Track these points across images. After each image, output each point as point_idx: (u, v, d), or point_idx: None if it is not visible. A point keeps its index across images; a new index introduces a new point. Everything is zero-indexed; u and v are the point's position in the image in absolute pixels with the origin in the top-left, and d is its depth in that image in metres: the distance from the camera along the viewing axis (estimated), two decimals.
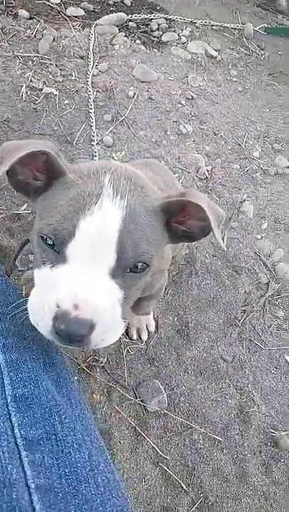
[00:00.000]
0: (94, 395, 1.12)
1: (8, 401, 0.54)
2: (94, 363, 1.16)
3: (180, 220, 0.68)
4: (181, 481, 1.05)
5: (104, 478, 0.51)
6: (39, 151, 0.61)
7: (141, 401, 1.13)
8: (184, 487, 1.05)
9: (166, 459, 1.07)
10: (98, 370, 1.15)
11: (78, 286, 0.57)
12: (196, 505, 1.03)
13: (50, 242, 0.60)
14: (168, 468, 1.06)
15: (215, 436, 1.12)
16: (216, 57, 2.02)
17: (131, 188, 0.63)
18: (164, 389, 1.16)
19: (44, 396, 0.56)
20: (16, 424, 0.51)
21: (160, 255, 0.70)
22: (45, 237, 0.59)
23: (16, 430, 0.51)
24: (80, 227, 0.57)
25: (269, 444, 1.16)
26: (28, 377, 0.58)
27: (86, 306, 0.56)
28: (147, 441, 1.08)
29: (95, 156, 1.50)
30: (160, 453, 1.07)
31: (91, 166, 0.66)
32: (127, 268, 0.60)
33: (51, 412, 0.55)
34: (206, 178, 1.58)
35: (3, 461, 0.46)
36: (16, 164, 0.63)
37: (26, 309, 0.61)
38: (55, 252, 0.60)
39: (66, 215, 0.58)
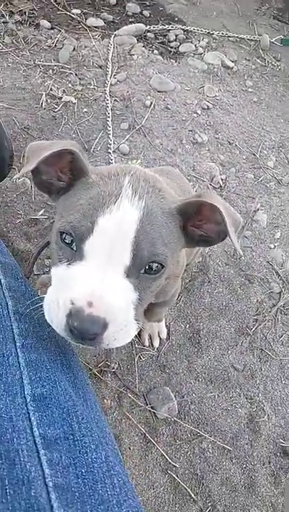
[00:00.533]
0: (105, 400, 1.12)
1: (28, 400, 0.55)
2: (105, 369, 1.17)
3: (197, 224, 0.69)
4: (189, 490, 1.05)
5: (120, 479, 0.51)
6: (66, 150, 0.63)
7: (151, 408, 1.13)
8: (193, 496, 1.04)
9: (175, 466, 1.07)
10: (109, 375, 1.16)
11: (93, 284, 0.58)
12: None
13: (68, 240, 0.61)
14: (177, 476, 1.06)
15: (224, 446, 1.12)
16: (232, 68, 2.04)
17: (149, 190, 0.65)
18: (175, 396, 1.16)
19: (62, 396, 0.57)
20: (34, 423, 0.52)
21: (175, 259, 0.71)
22: (64, 234, 0.61)
23: (35, 429, 0.52)
24: (99, 225, 0.59)
25: (278, 454, 1.15)
26: (46, 377, 0.59)
27: (100, 304, 0.56)
28: (157, 448, 1.08)
29: (112, 163, 1.52)
30: (169, 460, 1.07)
31: (112, 168, 0.68)
32: (142, 268, 0.61)
33: (69, 412, 0.56)
34: (220, 186, 1.59)
35: (22, 459, 0.48)
36: (42, 164, 0.66)
37: (43, 309, 0.62)
38: (72, 250, 0.62)
39: (85, 213, 0.60)
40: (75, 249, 0.61)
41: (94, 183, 0.65)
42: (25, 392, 0.56)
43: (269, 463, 1.13)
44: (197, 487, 1.06)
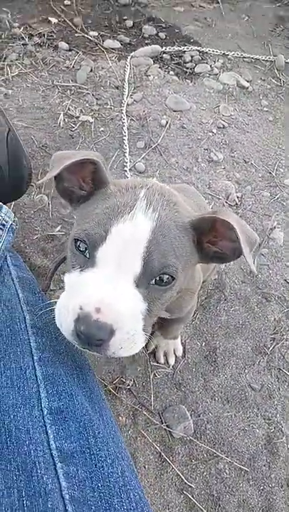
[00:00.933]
0: (120, 418, 1.12)
1: (45, 413, 0.55)
2: (120, 385, 1.16)
3: (212, 241, 0.70)
4: (205, 511, 1.03)
5: (136, 494, 0.51)
6: (89, 159, 0.66)
7: (167, 426, 1.12)
8: None
9: (190, 487, 1.05)
10: (124, 392, 1.15)
11: (103, 290, 0.59)
12: None
13: (82, 247, 0.63)
14: (192, 496, 1.04)
15: (241, 467, 1.10)
16: (247, 88, 2.06)
17: (164, 203, 0.66)
18: (191, 415, 1.15)
19: (79, 410, 0.57)
20: (51, 436, 0.52)
21: (189, 273, 0.71)
22: (79, 241, 0.63)
23: (52, 442, 0.52)
24: (112, 233, 0.61)
25: None
26: (63, 390, 0.59)
27: (108, 310, 0.57)
28: (172, 467, 1.07)
29: None
30: (185, 480, 1.05)
31: (130, 181, 0.70)
32: (152, 278, 0.62)
33: (85, 426, 0.55)
34: (236, 204, 1.59)
35: (39, 471, 0.47)
36: (65, 172, 0.70)
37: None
38: (85, 257, 0.63)
39: (100, 221, 0.62)
40: (88, 256, 0.63)
41: (112, 194, 0.67)
42: (43, 406, 0.56)
43: (287, 485, 1.10)
44: (213, 508, 1.04)
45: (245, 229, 0.65)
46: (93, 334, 0.57)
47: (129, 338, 0.60)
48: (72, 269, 0.65)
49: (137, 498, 0.50)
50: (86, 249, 0.63)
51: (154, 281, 0.63)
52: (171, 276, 0.63)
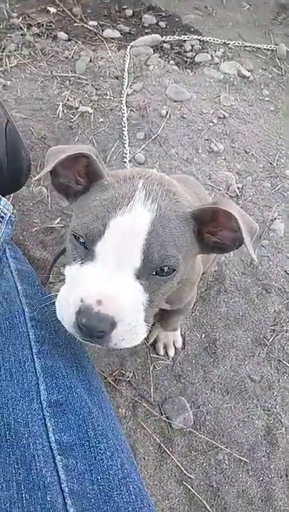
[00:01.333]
0: (119, 410, 1.12)
1: (44, 406, 0.55)
2: (120, 377, 1.16)
3: (212, 231, 0.69)
4: (205, 501, 1.03)
5: (135, 486, 0.51)
6: (81, 153, 0.65)
7: (166, 418, 1.12)
8: (208, 508, 1.03)
9: (190, 478, 1.06)
10: (124, 384, 1.16)
11: (104, 283, 0.59)
12: None
13: (82, 240, 0.63)
14: (192, 487, 1.04)
15: (241, 458, 1.10)
16: (248, 78, 2.04)
17: (163, 193, 0.65)
18: (190, 406, 1.15)
19: (78, 403, 0.57)
20: (50, 429, 0.52)
21: (190, 264, 0.71)
22: (77, 235, 0.62)
23: (51, 435, 0.52)
24: (110, 226, 0.60)
25: None
26: (62, 383, 0.59)
27: (109, 302, 0.57)
28: (172, 458, 1.07)
29: None
30: (184, 471, 1.06)
31: (127, 172, 0.69)
32: (153, 270, 0.62)
33: (84, 418, 0.55)
34: (237, 195, 1.59)
35: (38, 464, 0.47)
36: (59, 167, 0.69)
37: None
38: (85, 249, 0.63)
39: (98, 214, 0.61)
40: (87, 248, 0.62)
41: (109, 186, 0.66)
42: (42, 398, 0.56)
43: (286, 476, 1.11)
44: (213, 499, 1.04)
45: (246, 219, 0.64)
46: (95, 326, 0.57)
47: (130, 329, 0.60)
48: (72, 262, 0.65)
49: (137, 490, 0.50)
50: (85, 242, 0.63)
51: (154, 272, 0.62)
52: (172, 268, 0.63)
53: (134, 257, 0.60)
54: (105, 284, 0.59)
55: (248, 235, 0.61)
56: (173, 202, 0.66)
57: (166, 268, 0.62)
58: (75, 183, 0.72)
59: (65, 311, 0.60)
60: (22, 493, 0.44)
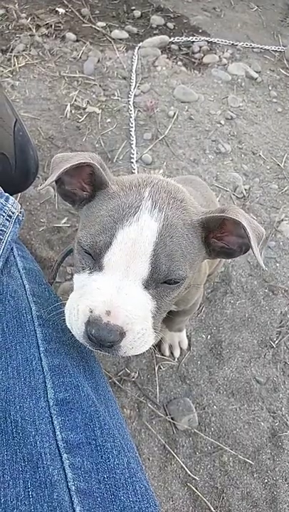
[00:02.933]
0: (124, 410, 1.12)
1: (51, 404, 0.55)
2: (125, 377, 1.16)
3: (219, 236, 0.68)
4: (209, 503, 1.03)
5: (142, 486, 0.51)
6: (84, 162, 0.65)
7: (171, 418, 1.12)
8: (212, 509, 1.02)
9: (194, 479, 1.05)
10: (129, 384, 1.16)
11: (112, 294, 0.59)
12: None
13: (89, 252, 0.62)
14: (196, 488, 1.04)
15: (246, 459, 1.10)
16: (256, 79, 2.04)
17: (170, 201, 0.65)
18: (195, 408, 1.15)
19: (85, 402, 0.57)
20: (57, 427, 0.52)
21: (197, 269, 0.71)
22: (84, 247, 0.62)
23: (58, 433, 0.52)
24: (117, 238, 0.60)
25: None
26: (69, 382, 0.59)
27: (118, 313, 0.58)
28: (176, 459, 1.07)
29: (134, 173, 1.53)
30: (189, 473, 1.06)
31: (133, 179, 0.68)
32: (161, 280, 0.61)
33: (91, 417, 0.55)
34: (244, 196, 1.58)
35: (45, 462, 0.47)
36: (64, 175, 0.69)
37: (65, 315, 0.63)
38: (93, 260, 0.63)
39: (105, 226, 0.61)
40: (95, 260, 0.62)
41: (115, 194, 0.65)
42: (49, 396, 0.56)
43: None
44: (217, 500, 1.04)
45: (253, 225, 0.64)
46: (105, 337, 0.57)
47: (140, 337, 0.61)
48: (81, 270, 0.65)
49: (143, 490, 0.50)
50: (92, 254, 0.63)
51: (162, 281, 0.62)
52: (180, 277, 0.63)
53: (142, 268, 0.60)
54: (114, 294, 0.59)
55: (255, 243, 0.61)
56: (180, 210, 0.65)
57: (175, 278, 0.62)
58: (81, 191, 0.72)
59: (75, 320, 0.61)
60: (29, 491, 0.45)
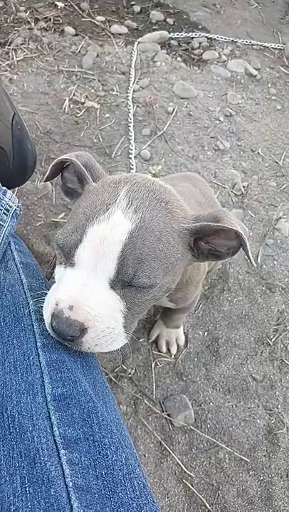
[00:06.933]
0: (120, 406, 1.11)
1: (48, 399, 0.55)
2: (122, 374, 1.16)
3: (206, 239, 0.66)
4: (204, 500, 1.03)
5: (140, 482, 0.50)
6: (66, 159, 0.68)
7: (167, 415, 1.12)
8: (208, 506, 1.02)
9: (190, 476, 1.05)
10: (126, 380, 1.15)
11: (78, 289, 0.59)
12: None
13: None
14: (192, 485, 1.04)
15: (241, 457, 1.10)
16: (255, 76, 2.03)
17: (151, 202, 0.62)
18: (192, 404, 1.14)
19: (82, 397, 0.57)
20: (55, 423, 0.52)
21: (179, 273, 0.69)
22: (58, 244, 0.63)
23: (55, 428, 0.51)
24: (87, 235, 0.59)
25: None
26: (67, 377, 0.58)
27: (79, 309, 0.58)
28: (172, 456, 1.07)
29: (132, 169, 1.53)
30: (185, 469, 1.05)
31: (117, 177, 0.67)
32: (127, 283, 0.60)
33: (89, 413, 0.55)
34: (242, 194, 1.58)
35: (43, 458, 0.47)
36: (65, 173, 0.73)
37: None
38: (67, 255, 0.63)
39: (77, 224, 0.61)
40: (68, 255, 0.63)
41: (93, 191, 0.65)
42: (46, 392, 0.56)
43: (287, 476, 1.10)
44: (212, 497, 1.04)
45: (244, 229, 0.63)
46: (64, 331, 0.58)
47: (105, 336, 0.61)
48: (59, 265, 0.66)
49: (141, 486, 0.50)
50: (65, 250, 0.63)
51: (129, 283, 0.61)
52: (147, 283, 0.61)
53: (109, 267, 0.59)
54: (79, 290, 0.59)
55: (248, 246, 0.61)
56: (162, 212, 0.62)
57: (141, 281, 0.60)
58: (80, 188, 0.72)
59: (45, 310, 0.63)
60: (26, 487, 0.44)
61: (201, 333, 1.27)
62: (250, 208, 1.54)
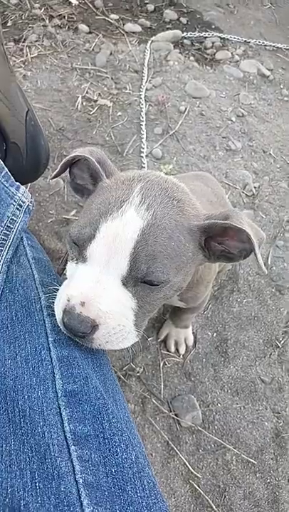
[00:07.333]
0: (128, 404, 1.11)
1: (59, 395, 0.54)
2: (130, 372, 1.15)
3: (219, 240, 0.66)
4: (211, 501, 1.02)
5: (150, 481, 0.50)
6: (79, 155, 0.67)
7: (175, 415, 1.11)
8: (214, 507, 1.02)
9: (197, 476, 1.05)
10: (134, 379, 1.15)
11: (90, 286, 0.59)
12: None
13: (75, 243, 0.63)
14: (198, 486, 1.04)
15: (249, 459, 1.09)
16: (268, 77, 2.02)
17: (164, 200, 0.62)
18: (199, 405, 1.14)
19: (93, 394, 0.56)
20: (65, 419, 0.52)
21: (191, 272, 0.69)
22: (72, 238, 0.63)
23: (66, 424, 0.51)
24: (100, 231, 0.59)
25: None
26: (78, 373, 0.58)
27: (91, 306, 0.58)
28: (179, 456, 1.06)
29: (144, 167, 1.52)
30: (191, 470, 1.05)
31: (130, 174, 0.67)
32: (139, 279, 0.60)
33: (100, 410, 0.55)
34: (253, 194, 1.57)
35: (53, 454, 0.47)
36: (74, 169, 0.73)
37: None
38: (79, 250, 0.63)
39: (91, 219, 0.61)
40: (81, 251, 0.63)
41: (107, 188, 0.65)
42: (57, 387, 0.55)
43: None
44: (219, 499, 1.03)
45: (254, 231, 0.62)
46: (75, 327, 0.58)
47: (116, 333, 0.61)
48: (71, 260, 0.66)
49: (151, 485, 0.49)
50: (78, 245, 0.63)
51: (141, 281, 0.61)
52: (160, 281, 0.61)
53: (121, 264, 0.59)
54: (92, 287, 0.59)
55: (258, 248, 0.60)
56: (174, 210, 0.62)
57: (153, 280, 0.60)
58: (92, 185, 0.73)
59: (57, 306, 0.63)
60: (36, 482, 0.44)
61: (209, 333, 1.26)
62: (260, 209, 1.53)
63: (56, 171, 0.73)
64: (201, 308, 1.11)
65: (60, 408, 0.53)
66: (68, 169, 0.75)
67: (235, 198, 1.55)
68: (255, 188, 1.59)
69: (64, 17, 1.98)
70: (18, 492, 0.43)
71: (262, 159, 1.70)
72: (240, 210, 1.51)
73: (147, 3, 2.21)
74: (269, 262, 1.42)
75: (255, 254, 0.59)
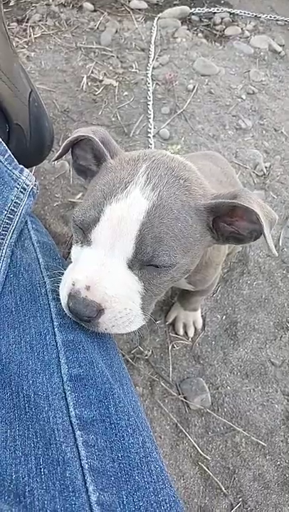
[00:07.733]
0: (137, 388, 1.11)
1: (64, 380, 0.54)
2: (138, 355, 1.15)
3: (228, 221, 0.64)
4: (220, 483, 1.02)
5: (157, 466, 0.49)
6: (82, 135, 0.65)
7: (184, 398, 1.11)
8: (223, 489, 1.02)
9: (206, 458, 1.05)
10: (142, 362, 1.15)
11: (95, 269, 0.58)
12: (234, 509, 1.00)
13: (80, 226, 0.61)
14: (208, 468, 1.04)
15: (258, 441, 1.09)
16: (279, 53, 1.96)
17: (170, 179, 0.60)
18: (209, 388, 1.13)
19: (99, 378, 0.56)
20: (71, 403, 0.51)
21: (199, 254, 0.67)
22: (76, 221, 0.61)
23: (71, 409, 0.50)
24: (105, 214, 0.58)
25: None
26: (83, 358, 0.57)
27: (96, 290, 0.57)
28: (188, 439, 1.06)
29: (151, 148, 1.50)
30: (200, 452, 1.05)
31: (135, 153, 0.65)
32: (146, 262, 0.59)
33: (106, 394, 0.54)
34: (264, 174, 1.53)
35: (58, 439, 0.46)
36: (76, 150, 0.72)
37: None
38: (83, 233, 0.61)
39: (95, 201, 0.59)
40: (85, 234, 0.62)
41: (111, 168, 0.64)
42: (62, 372, 0.55)
43: None
44: (228, 481, 1.04)
45: (266, 211, 0.60)
46: (81, 311, 0.57)
47: (122, 317, 0.60)
48: (75, 244, 0.65)
49: (158, 470, 0.49)
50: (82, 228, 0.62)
51: (148, 263, 0.59)
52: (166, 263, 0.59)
53: (127, 247, 0.57)
54: (96, 270, 0.58)
55: (268, 230, 0.58)
56: (181, 190, 0.60)
57: (159, 263, 0.59)
58: (95, 166, 0.71)
59: (61, 291, 0.62)
60: (41, 468, 0.43)
61: (219, 316, 1.25)
62: (272, 189, 1.50)
63: (59, 152, 0.71)
64: (210, 291, 1.09)
65: (65, 393, 0.52)
66: (70, 150, 0.73)
67: (245, 179, 1.51)
68: (266, 167, 1.55)
69: None
70: (23, 478, 0.42)
71: (273, 138, 1.66)
72: (251, 190, 1.48)
73: None
74: (280, 244, 1.39)
75: (264, 236, 0.57)
